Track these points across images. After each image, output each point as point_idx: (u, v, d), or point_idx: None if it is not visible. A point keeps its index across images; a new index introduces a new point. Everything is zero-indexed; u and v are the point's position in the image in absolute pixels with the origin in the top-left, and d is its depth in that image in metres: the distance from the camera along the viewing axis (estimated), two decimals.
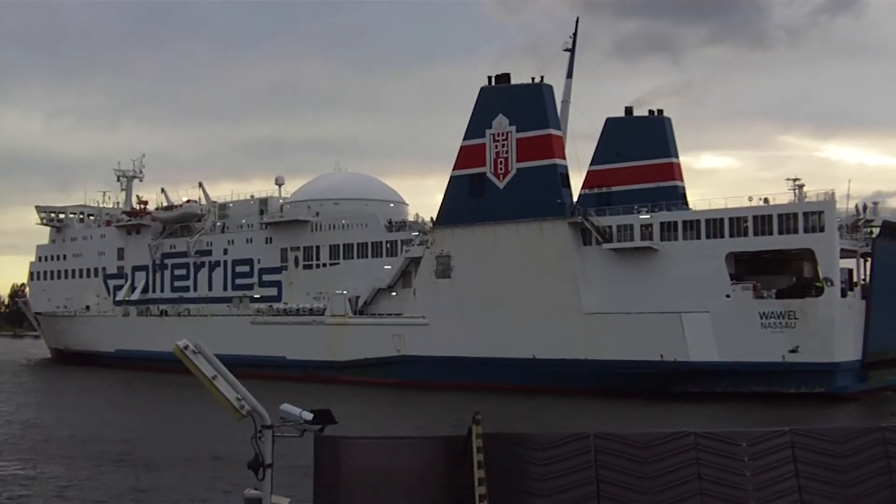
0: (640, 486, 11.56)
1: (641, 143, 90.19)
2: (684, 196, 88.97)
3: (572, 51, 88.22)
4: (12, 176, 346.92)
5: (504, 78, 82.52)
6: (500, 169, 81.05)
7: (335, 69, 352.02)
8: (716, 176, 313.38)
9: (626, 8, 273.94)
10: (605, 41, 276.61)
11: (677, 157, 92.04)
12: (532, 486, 11.53)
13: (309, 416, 10.19)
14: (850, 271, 73.36)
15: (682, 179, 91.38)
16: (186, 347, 9.73)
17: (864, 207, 77.40)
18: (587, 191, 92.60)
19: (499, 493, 11.32)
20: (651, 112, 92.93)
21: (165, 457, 42.25)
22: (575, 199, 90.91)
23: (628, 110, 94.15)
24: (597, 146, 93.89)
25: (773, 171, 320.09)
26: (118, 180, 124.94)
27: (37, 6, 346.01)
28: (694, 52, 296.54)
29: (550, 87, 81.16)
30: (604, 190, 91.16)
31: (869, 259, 71.95)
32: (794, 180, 73.10)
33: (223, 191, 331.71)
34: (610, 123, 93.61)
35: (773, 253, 71.95)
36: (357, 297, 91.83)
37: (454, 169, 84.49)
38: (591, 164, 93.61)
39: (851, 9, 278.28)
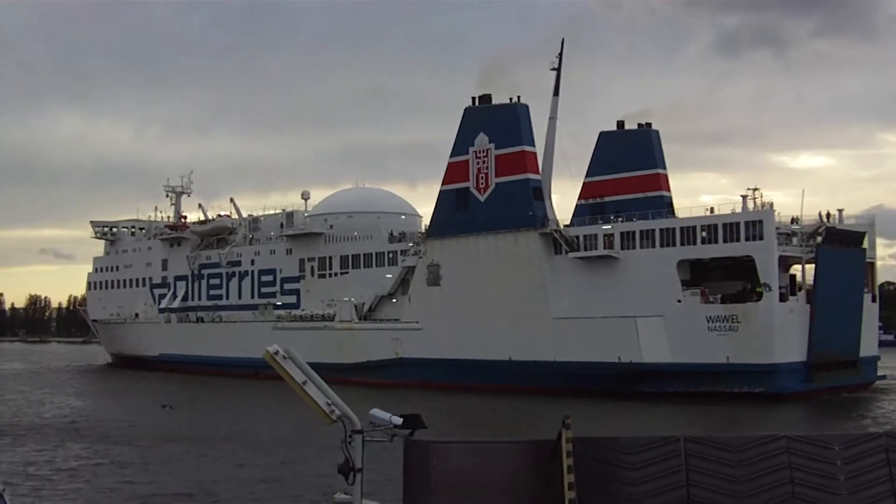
0: (732, 491, 11.46)
1: (631, 156, 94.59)
2: (671, 205, 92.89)
3: (558, 70, 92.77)
4: (103, 185, 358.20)
5: (486, 98, 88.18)
6: (482, 184, 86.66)
7: (426, 74, 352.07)
8: (811, 175, 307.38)
9: (730, 1, 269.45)
10: (706, 35, 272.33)
11: (664, 167, 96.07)
12: (623, 490, 11.54)
13: (399, 420, 10.12)
14: (793, 276, 76.85)
15: (668, 189, 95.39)
16: (277, 353, 9.48)
17: (829, 215, 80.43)
18: (583, 201, 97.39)
19: (589, 498, 11.33)
20: (640, 125, 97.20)
21: (251, 459, 43.68)
22: (572, 210, 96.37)
23: (620, 124, 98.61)
24: (591, 159, 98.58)
25: (869, 170, 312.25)
26: (167, 196, 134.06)
27: (129, 16, 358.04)
28: (800, 45, 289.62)
29: (526, 107, 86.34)
30: (598, 200, 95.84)
31: (814, 265, 75.10)
32: (754, 189, 76.80)
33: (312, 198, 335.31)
34: (603, 137, 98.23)
35: (735, 260, 75.74)
36: (363, 304, 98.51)
37: (443, 184, 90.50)
38: (587, 175, 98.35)
39: None
